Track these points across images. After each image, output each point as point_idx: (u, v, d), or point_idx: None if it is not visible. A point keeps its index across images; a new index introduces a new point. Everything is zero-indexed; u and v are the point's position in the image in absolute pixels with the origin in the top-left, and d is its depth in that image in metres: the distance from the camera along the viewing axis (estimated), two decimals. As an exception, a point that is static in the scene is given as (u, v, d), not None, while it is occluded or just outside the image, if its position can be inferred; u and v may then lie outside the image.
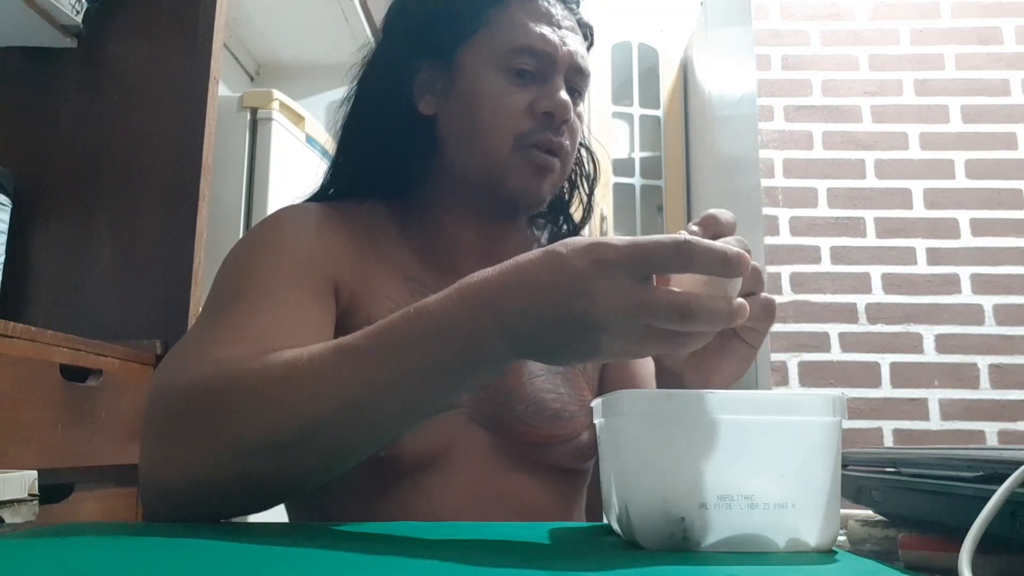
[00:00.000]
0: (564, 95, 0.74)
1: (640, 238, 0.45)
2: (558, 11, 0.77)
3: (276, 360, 0.54)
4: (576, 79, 0.77)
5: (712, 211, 0.53)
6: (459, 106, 0.76)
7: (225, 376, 0.55)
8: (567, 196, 0.88)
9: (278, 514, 0.76)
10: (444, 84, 0.78)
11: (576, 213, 0.89)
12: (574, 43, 0.76)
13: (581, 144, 0.84)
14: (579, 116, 0.78)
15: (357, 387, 0.51)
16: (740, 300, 0.46)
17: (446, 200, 0.79)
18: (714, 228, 0.52)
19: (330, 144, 0.84)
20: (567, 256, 0.46)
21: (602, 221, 3.25)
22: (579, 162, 0.87)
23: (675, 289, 0.45)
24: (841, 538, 0.48)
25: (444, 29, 0.77)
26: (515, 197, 0.75)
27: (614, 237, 0.46)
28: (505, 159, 0.74)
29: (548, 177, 0.76)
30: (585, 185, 0.89)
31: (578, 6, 0.81)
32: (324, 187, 0.83)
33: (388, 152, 0.79)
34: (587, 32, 0.82)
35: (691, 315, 0.44)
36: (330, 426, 0.52)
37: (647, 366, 0.82)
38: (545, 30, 0.75)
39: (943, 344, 2.20)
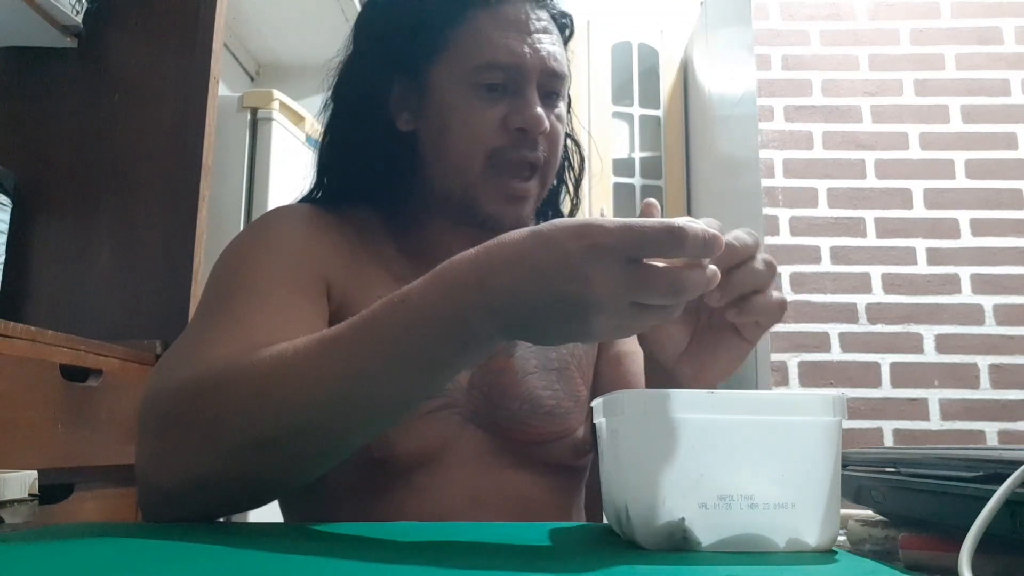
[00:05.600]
0: (537, 109, 0.72)
1: (632, 221, 0.45)
2: (527, 13, 0.74)
3: (264, 356, 0.54)
4: (552, 83, 0.75)
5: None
6: (432, 124, 0.76)
7: (215, 375, 0.55)
8: (555, 191, 0.86)
9: (274, 515, 0.76)
10: (417, 102, 0.77)
11: (564, 205, 0.89)
12: (546, 46, 0.74)
13: (567, 135, 0.82)
14: (559, 117, 0.76)
15: (345, 380, 0.51)
16: (712, 267, 0.47)
17: (432, 210, 0.79)
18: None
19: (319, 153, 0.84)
20: (558, 238, 0.46)
21: (602, 221, 3.24)
22: (565, 154, 0.85)
23: (660, 264, 0.46)
24: (841, 538, 0.48)
25: (412, 47, 0.76)
26: (492, 222, 0.74)
27: (605, 219, 0.45)
28: (478, 179, 0.73)
29: (524, 203, 0.75)
30: (572, 176, 0.88)
31: None
32: (313, 193, 0.82)
33: (371, 166, 0.78)
34: (565, 23, 0.79)
35: (682, 290, 0.45)
36: (320, 419, 0.52)
37: (639, 362, 0.82)
38: (512, 41, 0.72)
39: (943, 344, 2.20)
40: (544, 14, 0.76)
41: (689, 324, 0.58)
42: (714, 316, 0.56)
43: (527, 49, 0.73)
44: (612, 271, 0.44)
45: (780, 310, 0.54)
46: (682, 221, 0.45)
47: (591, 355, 0.83)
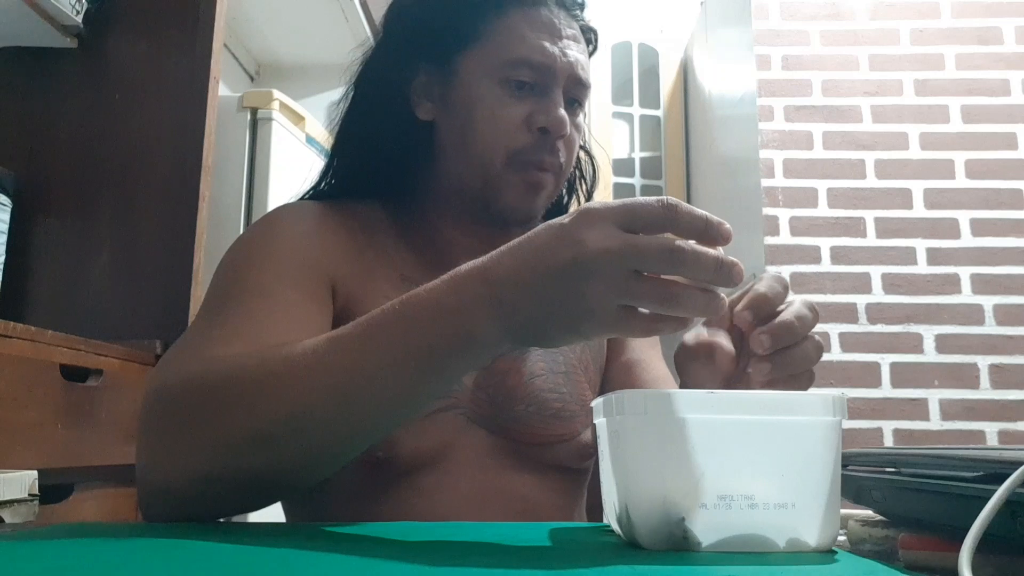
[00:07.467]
0: (561, 111, 0.73)
1: (627, 199, 0.46)
2: (560, 19, 0.75)
3: (268, 355, 0.54)
4: (576, 90, 0.76)
5: (762, 290, 0.55)
6: (456, 115, 0.76)
7: (218, 373, 0.55)
8: (565, 200, 0.88)
9: (275, 515, 0.76)
10: (442, 91, 0.77)
11: None
12: (575, 53, 0.75)
13: (581, 147, 0.83)
14: (577, 127, 0.78)
15: (348, 377, 0.51)
16: (716, 252, 0.47)
17: (442, 205, 0.79)
18: (765, 307, 0.55)
19: (330, 144, 0.84)
20: (556, 220, 0.48)
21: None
22: (578, 165, 0.86)
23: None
24: (841, 538, 0.48)
25: (443, 35, 0.76)
26: (507, 213, 0.75)
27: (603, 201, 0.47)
28: (498, 174, 0.74)
29: (541, 194, 0.76)
30: (583, 189, 0.89)
31: (582, 11, 0.80)
32: (320, 184, 0.82)
33: (385, 156, 0.79)
34: (591, 37, 0.81)
35: (681, 257, 0.44)
36: (323, 417, 0.52)
37: (651, 371, 0.82)
38: (545, 41, 0.74)
39: (943, 344, 2.20)
40: (575, 24, 0.77)
41: (724, 378, 0.58)
42: (747, 367, 0.56)
43: (557, 52, 0.74)
44: (605, 233, 0.45)
45: (819, 353, 0.56)
46: (678, 201, 0.46)
47: (600, 361, 0.83)
